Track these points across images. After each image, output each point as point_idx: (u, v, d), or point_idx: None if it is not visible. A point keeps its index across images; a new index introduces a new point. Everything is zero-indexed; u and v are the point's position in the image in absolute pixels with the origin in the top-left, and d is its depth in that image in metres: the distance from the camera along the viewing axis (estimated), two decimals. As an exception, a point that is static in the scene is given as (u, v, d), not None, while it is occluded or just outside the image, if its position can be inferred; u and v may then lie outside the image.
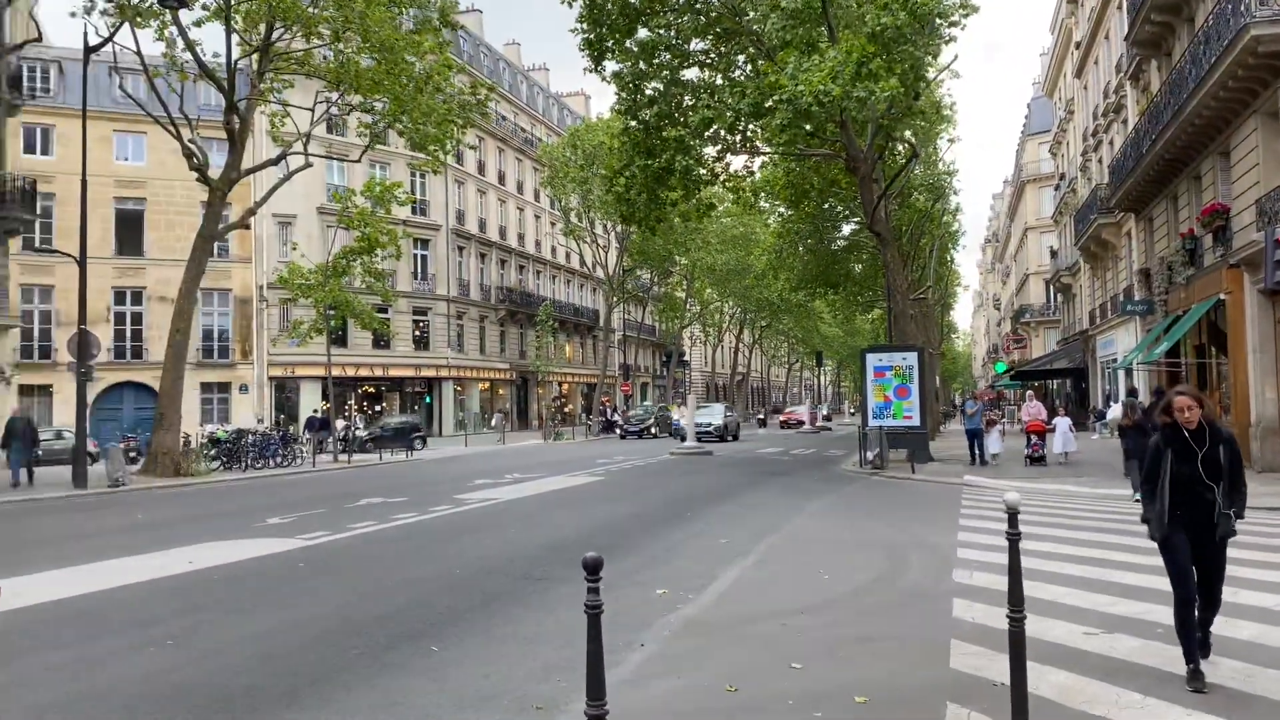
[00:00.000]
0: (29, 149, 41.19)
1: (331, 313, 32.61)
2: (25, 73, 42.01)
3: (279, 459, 28.14)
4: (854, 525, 12.18)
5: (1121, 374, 32.92)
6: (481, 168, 55.84)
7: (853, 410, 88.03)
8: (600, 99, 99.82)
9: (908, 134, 26.53)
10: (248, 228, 27.63)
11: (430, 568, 8.93)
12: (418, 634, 6.43)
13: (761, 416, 68.43)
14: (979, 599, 7.42)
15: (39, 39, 21.99)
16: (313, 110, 27.58)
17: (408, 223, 48.91)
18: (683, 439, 33.61)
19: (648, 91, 25.30)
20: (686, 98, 25.02)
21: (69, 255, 23.13)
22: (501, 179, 58.55)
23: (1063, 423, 21.10)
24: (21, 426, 19.40)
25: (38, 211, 29.86)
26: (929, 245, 46.41)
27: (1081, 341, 41.79)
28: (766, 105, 20.46)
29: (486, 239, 55.62)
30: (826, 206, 40.23)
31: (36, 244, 41.24)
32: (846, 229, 45.00)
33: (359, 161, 29.57)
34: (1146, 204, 27.55)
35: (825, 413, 70.88)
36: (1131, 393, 26.47)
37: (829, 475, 21.32)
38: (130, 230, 43.87)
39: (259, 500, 16.67)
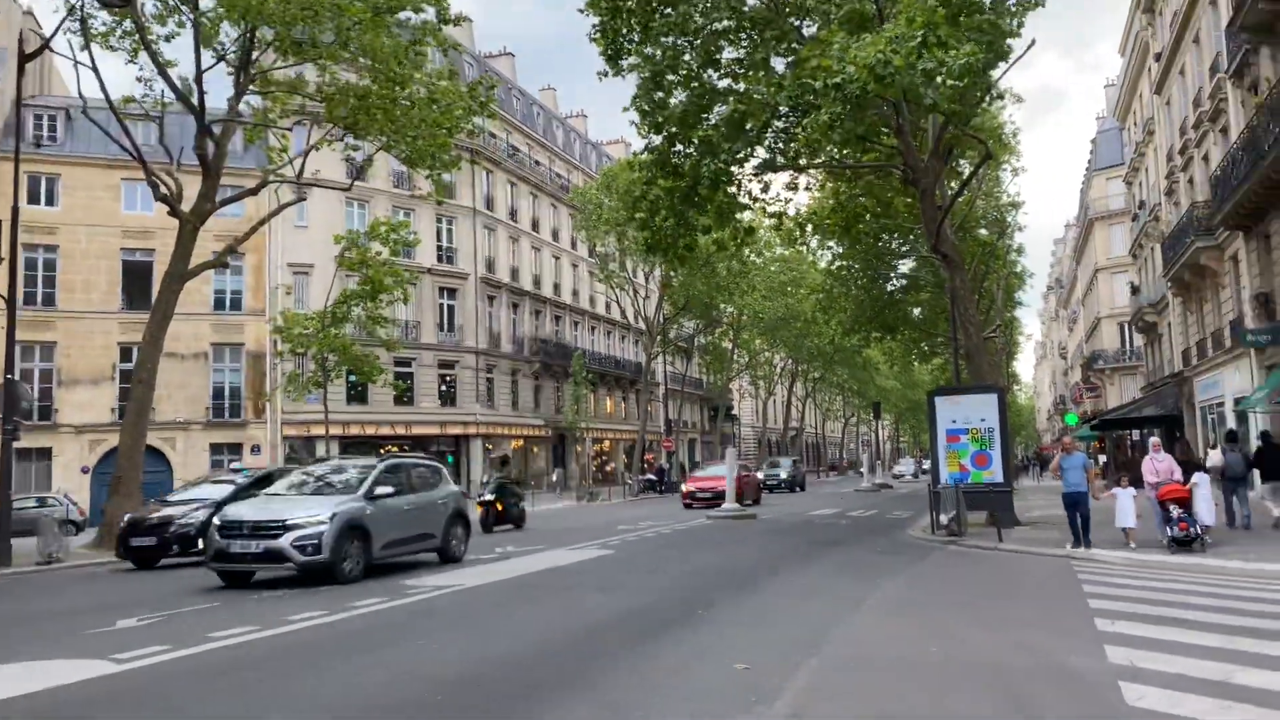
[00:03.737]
0: (34, 199, 39.05)
1: (332, 364, 29.60)
2: (32, 121, 40.30)
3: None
4: (940, 629, 8.32)
5: (1228, 421, 28.47)
6: (514, 214, 53.09)
7: (868, 470, 72.18)
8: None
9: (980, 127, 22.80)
10: (225, 266, 24.76)
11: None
12: None
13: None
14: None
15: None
16: (308, 137, 24.83)
17: (433, 270, 46.26)
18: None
19: (672, 102, 22.02)
20: (717, 106, 21.65)
21: (-5, 293, 20.03)
22: (535, 225, 55.76)
23: (1204, 481, 14.48)
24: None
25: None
26: (994, 284, 42.38)
27: (1175, 385, 37.18)
28: (808, 97, 16.99)
29: (519, 288, 52.64)
30: (881, 242, 36.60)
31: (39, 300, 39.18)
32: (903, 267, 41.22)
33: (348, 190, 26.47)
34: (1261, 219, 23.43)
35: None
36: (1231, 437, 22.27)
37: (895, 545, 17.34)
38: (139, 283, 41.37)
39: (170, 586, 13.23)
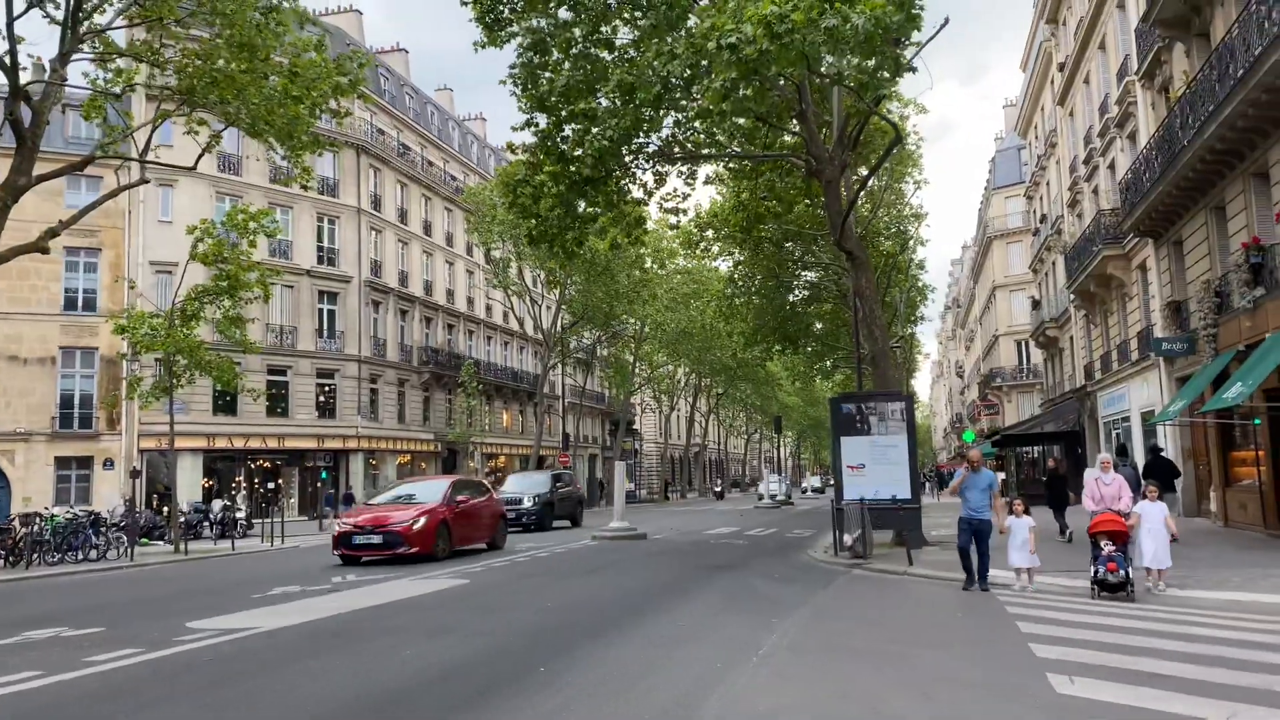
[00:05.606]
0: None
1: (181, 368, 26.45)
2: None
3: (86, 551, 21.73)
4: (853, 693, 6.31)
5: (1134, 435, 27.64)
6: (404, 215, 50.18)
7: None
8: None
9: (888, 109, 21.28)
10: (45, 251, 21.52)
11: None
12: None
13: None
14: None
15: None
16: (154, 111, 21.89)
17: (312, 272, 43.17)
18: None
19: (560, 81, 19.85)
20: (603, 87, 19.59)
21: None
22: (428, 229, 52.92)
23: (1156, 512, 11.14)
24: None
25: None
26: (897, 296, 41.40)
27: (1076, 400, 36.56)
28: (701, 65, 15.17)
29: (408, 294, 49.67)
30: (783, 250, 35.16)
31: None
32: (805, 279, 39.89)
33: (192, 169, 23.14)
34: (1173, 224, 22.49)
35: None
36: (1121, 451, 21.17)
37: (794, 569, 15.44)
38: (-27, 278, 37.37)
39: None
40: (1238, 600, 10.54)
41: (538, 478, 32.42)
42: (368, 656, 7.89)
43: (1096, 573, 10.84)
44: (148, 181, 23.67)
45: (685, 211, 24.97)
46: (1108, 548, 10.74)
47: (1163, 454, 20.12)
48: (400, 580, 13.85)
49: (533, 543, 22.11)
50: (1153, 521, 11.08)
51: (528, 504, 28.49)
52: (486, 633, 8.96)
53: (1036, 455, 45.37)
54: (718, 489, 74.09)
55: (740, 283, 37.16)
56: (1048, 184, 41.58)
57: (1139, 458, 24.09)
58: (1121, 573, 10.67)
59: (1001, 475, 48.87)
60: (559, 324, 51.63)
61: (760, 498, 53.33)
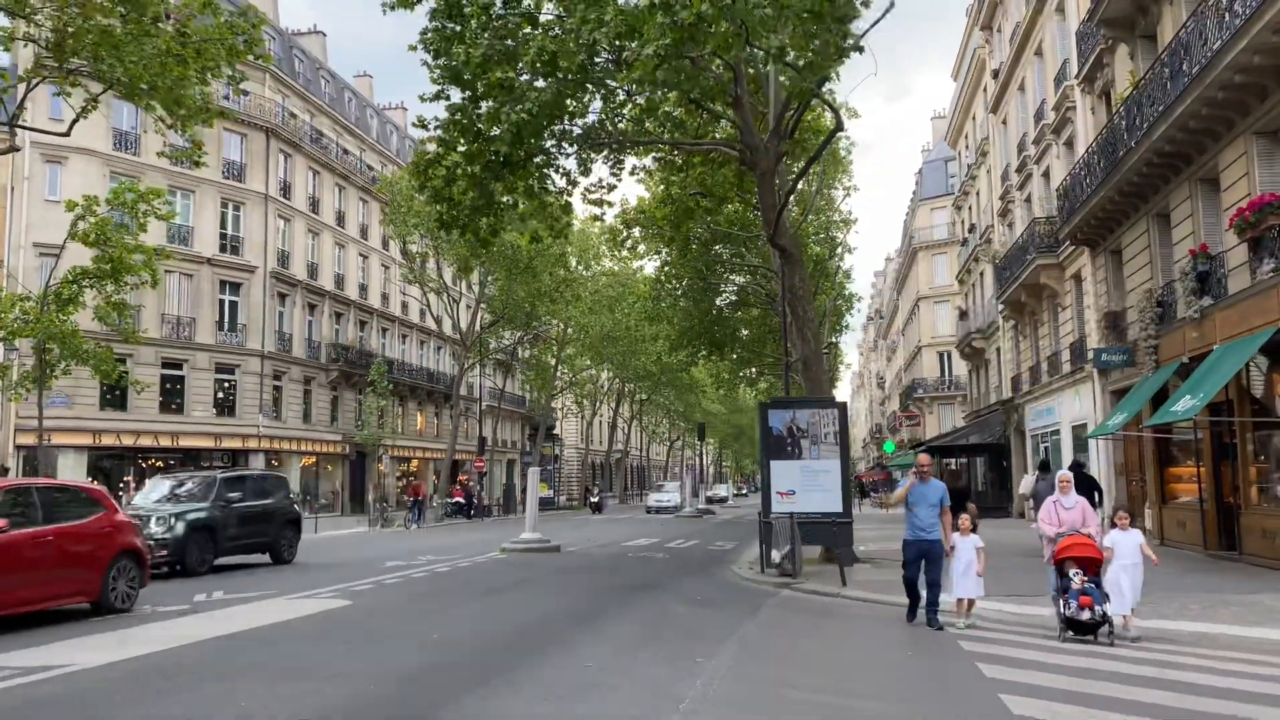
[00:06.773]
0: None
1: (55, 357, 24.13)
2: None
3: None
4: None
5: (1064, 449, 27.08)
6: (315, 204, 47.72)
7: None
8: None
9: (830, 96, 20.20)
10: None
11: None
12: None
13: None
14: None
15: None
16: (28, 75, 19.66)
17: (213, 260, 40.61)
18: None
19: (476, 52, 18.24)
20: (523, 55, 18.05)
21: None
22: (341, 220, 50.51)
23: (1130, 543, 9.44)
24: None
25: None
26: (824, 304, 40.63)
27: (1003, 413, 36.10)
28: (633, 37, 13.83)
29: (317, 287, 47.21)
30: (711, 252, 34.06)
31: None
32: (732, 284, 38.85)
33: (65, 135, 20.54)
34: (1112, 232, 21.84)
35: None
36: (1043, 466, 20.44)
37: (719, 589, 14.09)
38: None
39: None
40: (1208, 634, 9.48)
41: (192, 484, 18.94)
42: (191, 709, 6.25)
43: (1067, 608, 9.08)
44: (18, 149, 21.37)
45: (610, 204, 23.56)
46: (1078, 578, 9.10)
47: (1084, 469, 19.31)
48: (276, 599, 12.08)
49: (433, 555, 20.35)
50: (1127, 555, 9.35)
51: (157, 529, 16.16)
52: (349, 675, 7.35)
53: (957, 467, 45.06)
54: (594, 498, 59.18)
55: (667, 284, 35.94)
56: (978, 193, 41.23)
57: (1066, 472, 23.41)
58: (1099, 610, 8.93)
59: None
60: (478, 323, 49.77)
61: (649, 510, 51.03)
